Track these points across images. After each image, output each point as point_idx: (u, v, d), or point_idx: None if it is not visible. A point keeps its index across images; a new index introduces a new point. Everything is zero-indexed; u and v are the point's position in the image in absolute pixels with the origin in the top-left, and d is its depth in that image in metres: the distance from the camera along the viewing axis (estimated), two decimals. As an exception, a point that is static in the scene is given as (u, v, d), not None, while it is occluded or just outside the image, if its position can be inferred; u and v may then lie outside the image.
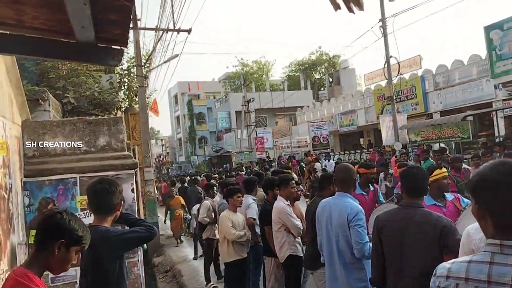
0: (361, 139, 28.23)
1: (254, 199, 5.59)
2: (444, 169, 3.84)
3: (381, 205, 4.70)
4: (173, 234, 11.44)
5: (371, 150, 21.10)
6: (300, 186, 7.66)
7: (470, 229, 2.26)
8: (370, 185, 5.09)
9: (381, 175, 8.72)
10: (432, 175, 3.67)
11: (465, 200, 3.78)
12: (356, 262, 3.39)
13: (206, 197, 7.34)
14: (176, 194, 11.60)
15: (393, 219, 2.84)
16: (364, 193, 4.91)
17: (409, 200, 2.83)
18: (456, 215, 3.45)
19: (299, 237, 4.69)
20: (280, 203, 4.67)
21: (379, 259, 2.89)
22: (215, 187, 7.63)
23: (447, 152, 12.90)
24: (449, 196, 3.78)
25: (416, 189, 2.83)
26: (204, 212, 6.85)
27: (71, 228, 1.82)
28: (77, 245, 1.85)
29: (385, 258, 2.86)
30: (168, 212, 11.47)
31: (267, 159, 27.66)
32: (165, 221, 12.00)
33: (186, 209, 11.05)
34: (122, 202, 2.69)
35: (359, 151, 23.37)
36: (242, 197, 5.37)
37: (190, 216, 10.50)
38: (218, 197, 7.10)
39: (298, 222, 4.65)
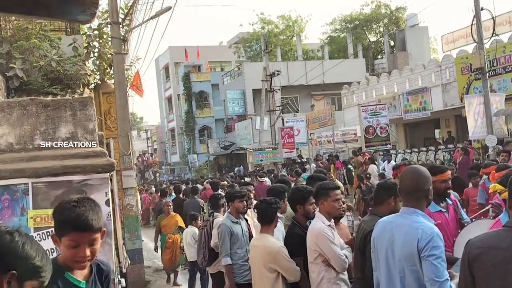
0: (437, 131, 27.86)
1: (280, 217, 5.61)
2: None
3: (473, 223, 4.64)
4: (164, 267, 11.53)
5: (452, 146, 20.82)
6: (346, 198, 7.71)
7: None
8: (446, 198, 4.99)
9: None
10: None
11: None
12: (430, 309, 3.35)
13: (214, 213, 7.41)
14: (171, 210, 11.51)
15: (493, 246, 2.78)
16: (443, 210, 4.81)
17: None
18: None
19: (345, 272, 4.68)
20: (319, 224, 4.67)
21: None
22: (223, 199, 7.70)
23: None
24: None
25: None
26: (216, 234, 6.90)
27: (26, 256, 1.83)
28: (34, 279, 1.86)
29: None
30: (160, 236, 11.36)
31: (298, 160, 27.64)
32: (156, 249, 11.81)
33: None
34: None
35: (433, 148, 23.09)
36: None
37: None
38: (220, 217, 7.16)
39: (344, 251, 4.65)
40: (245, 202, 6.57)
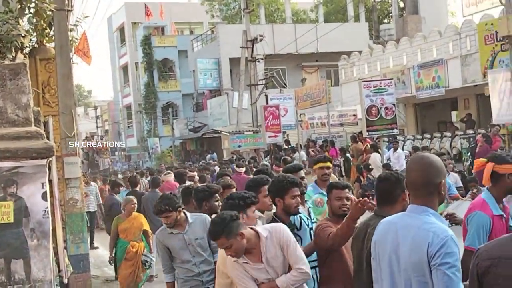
0: (454, 113, 28.11)
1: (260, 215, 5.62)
2: None
3: (455, 203, 4.73)
4: (120, 285, 10.51)
5: (472, 132, 21.03)
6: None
7: None
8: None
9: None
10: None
11: None
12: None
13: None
14: (135, 210, 10.56)
15: (505, 256, 2.84)
16: (505, 215, 4.84)
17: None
18: None
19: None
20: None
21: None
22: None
23: None
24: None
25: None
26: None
27: None
28: None
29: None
30: (117, 243, 10.46)
31: (285, 146, 27.71)
32: (111, 261, 10.83)
33: (149, 239, 10.55)
34: None
35: (449, 134, 23.32)
36: None
37: (153, 256, 10.22)
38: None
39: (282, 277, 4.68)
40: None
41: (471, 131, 21.50)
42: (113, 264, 11.00)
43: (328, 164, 7.56)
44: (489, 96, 17.94)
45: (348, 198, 5.36)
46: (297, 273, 4.63)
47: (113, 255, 10.71)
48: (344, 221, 4.88)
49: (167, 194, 6.80)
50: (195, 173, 15.59)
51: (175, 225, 6.25)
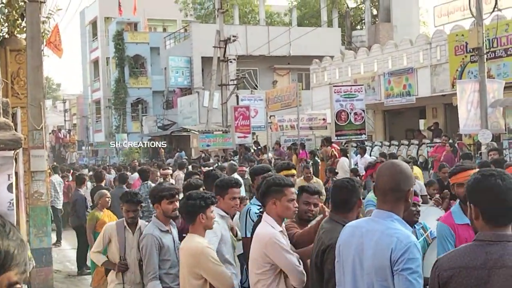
0: (422, 121, 28.42)
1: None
2: None
3: (425, 207, 4.74)
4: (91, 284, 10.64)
5: (438, 141, 21.27)
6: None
7: None
8: None
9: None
10: None
11: None
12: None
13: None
14: (109, 204, 10.47)
15: (465, 266, 2.89)
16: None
17: (491, 230, 2.88)
18: None
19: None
20: (267, 229, 4.72)
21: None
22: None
23: None
24: None
25: (503, 212, 2.88)
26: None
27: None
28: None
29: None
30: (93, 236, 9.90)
31: (254, 147, 27.72)
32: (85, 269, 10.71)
33: None
34: None
35: (416, 142, 23.57)
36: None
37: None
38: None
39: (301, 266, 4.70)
40: (176, 203, 5.90)
41: (438, 140, 21.68)
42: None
43: (293, 171, 7.42)
44: (456, 106, 18.11)
45: (316, 205, 5.38)
46: None
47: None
48: (314, 223, 4.87)
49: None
50: (170, 171, 15.46)
51: (165, 222, 5.93)
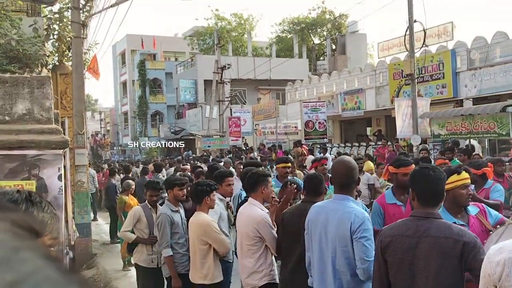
0: (368, 129, 28.55)
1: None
2: (464, 175, 3.67)
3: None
4: (122, 252, 10.03)
5: (380, 143, 21.41)
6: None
7: (491, 249, 2.41)
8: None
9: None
10: (447, 182, 3.33)
11: (492, 212, 3.80)
12: (357, 287, 3.46)
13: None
14: (133, 191, 10.21)
15: (401, 234, 2.94)
16: (400, 203, 4.69)
17: (422, 209, 2.92)
18: (483, 235, 3.47)
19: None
20: (258, 211, 4.64)
21: (383, 286, 2.98)
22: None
23: (479, 153, 13.25)
24: (472, 209, 3.72)
25: (432, 195, 2.92)
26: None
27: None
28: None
29: (390, 284, 2.95)
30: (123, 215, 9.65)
31: (244, 148, 27.72)
32: (115, 239, 10.55)
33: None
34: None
35: (364, 144, 23.67)
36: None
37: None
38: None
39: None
40: (184, 190, 5.94)
41: (380, 142, 21.78)
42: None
43: (289, 164, 7.42)
44: (394, 118, 18.22)
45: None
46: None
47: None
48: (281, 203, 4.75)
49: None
50: (188, 166, 15.19)
51: (175, 204, 5.89)
